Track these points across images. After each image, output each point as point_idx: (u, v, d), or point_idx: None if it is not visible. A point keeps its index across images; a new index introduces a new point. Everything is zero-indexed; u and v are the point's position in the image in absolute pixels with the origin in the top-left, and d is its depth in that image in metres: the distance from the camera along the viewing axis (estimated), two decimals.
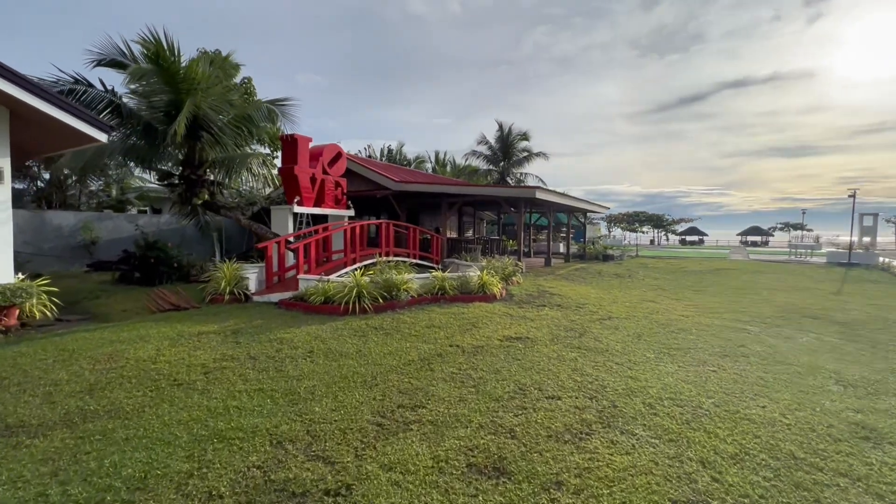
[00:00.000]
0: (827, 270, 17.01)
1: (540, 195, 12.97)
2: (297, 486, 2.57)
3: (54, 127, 6.22)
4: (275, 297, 8.19)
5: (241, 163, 9.26)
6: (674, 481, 2.64)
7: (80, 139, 6.48)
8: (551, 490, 2.55)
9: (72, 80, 8.11)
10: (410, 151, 43.14)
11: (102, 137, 6.39)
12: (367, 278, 7.68)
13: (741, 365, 4.92)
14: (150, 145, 9.00)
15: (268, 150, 18.95)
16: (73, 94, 8.11)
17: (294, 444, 3.05)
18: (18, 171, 16.28)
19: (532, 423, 3.37)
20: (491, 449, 2.99)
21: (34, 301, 6.63)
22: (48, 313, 6.85)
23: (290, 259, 9.52)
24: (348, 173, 14.41)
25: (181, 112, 8.02)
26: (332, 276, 8.42)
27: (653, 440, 3.12)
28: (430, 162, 36.59)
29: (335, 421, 3.41)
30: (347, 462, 2.83)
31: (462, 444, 3.06)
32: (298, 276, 8.28)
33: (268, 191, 19.23)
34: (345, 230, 10.24)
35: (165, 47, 8.06)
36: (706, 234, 59.03)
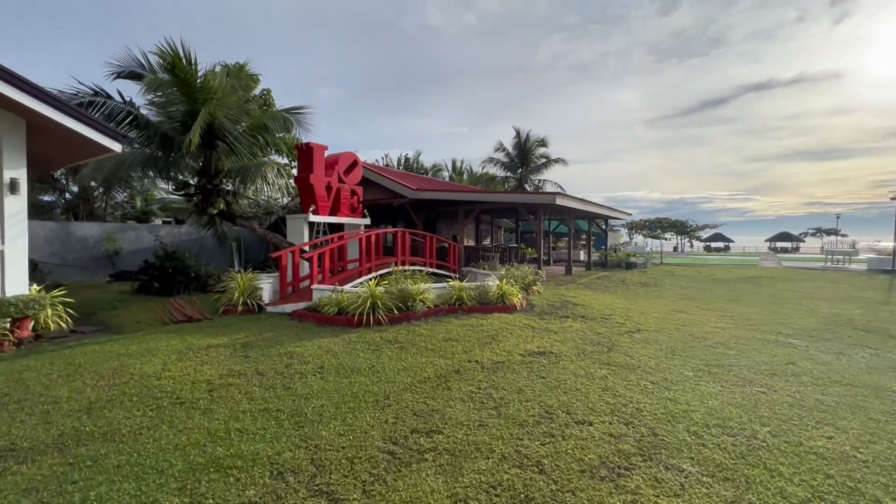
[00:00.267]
0: (868, 278, 15.98)
1: (560, 201, 12.56)
2: None
3: (69, 137, 6.20)
4: (288, 307, 8.00)
5: (256, 172, 9.18)
6: None
7: (94, 150, 6.46)
8: None
9: (91, 91, 8.21)
10: (427, 160, 43.16)
11: (116, 147, 6.35)
12: (381, 288, 7.41)
13: (794, 385, 4.41)
14: (167, 155, 9.03)
15: (286, 160, 19.11)
16: (93, 106, 8.21)
17: (296, 476, 2.75)
18: (45, 183, 16.79)
19: (562, 455, 2.99)
20: (517, 486, 2.63)
21: (49, 312, 6.59)
22: (63, 325, 6.80)
23: (304, 269, 9.35)
24: (364, 182, 14.31)
25: (201, 123, 7.98)
26: (347, 286, 8.19)
27: (704, 479, 2.70)
28: (447, 170, 36.50)
29: (343, 448, 3.10)
30: (354, 499, 2.51)
31: (483, 479, 2.71)
32: (312, 287, 8.08)
33: (285, 200, 19.36)
34: (360, 239, 10.04)
35: (182, 57, 8.08)
36: (732, 241, 57.08)
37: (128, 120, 8.71)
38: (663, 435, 3.27)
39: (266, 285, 8.36)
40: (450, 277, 12.03)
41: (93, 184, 18.77)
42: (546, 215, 14.06)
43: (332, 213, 11.40)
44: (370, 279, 9.10)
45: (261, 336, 6.13)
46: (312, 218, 10.68)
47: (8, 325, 5.77)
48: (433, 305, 7.60)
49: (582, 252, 26.84)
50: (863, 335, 6.83)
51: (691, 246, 53.60)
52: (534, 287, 10.43)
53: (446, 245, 13.96)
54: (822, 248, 49.35)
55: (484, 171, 33.04)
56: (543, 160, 28.93)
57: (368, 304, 6.82)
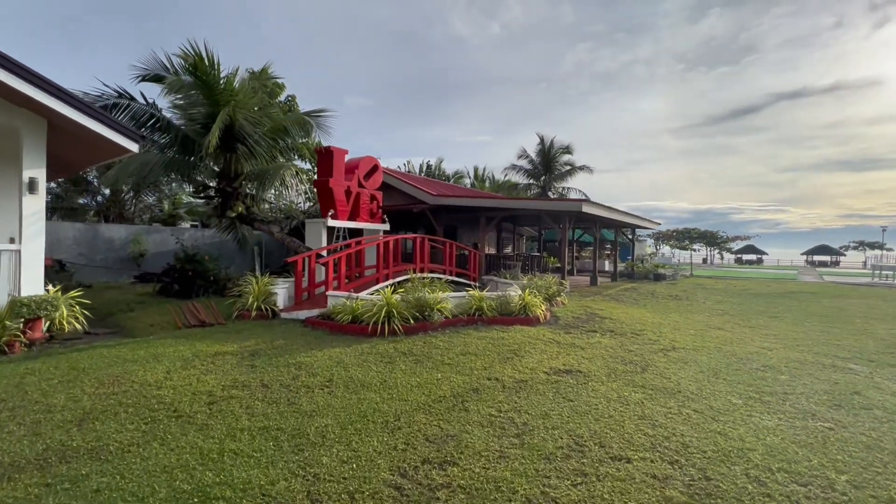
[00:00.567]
0: None
1: (586, 209, 12.03)
2: None
3: (88, 138, 6.15)
4: (303, 314, 7.76)
5: (275, 175, 9.08)
6: None
7: (113, 150, 6.41)
8: None
9: (115, 94, 8.30)
10: (449, 168, 43.01)
11: (134, 147, 6.28)
12: (397, 296, 7.09)
13: (865, 421, 3.82)
14: (188, 158, 9.02)
15: (308, 166, 19.20)
16: (117, 108, 8.28)
17: None
18: (78, 186, 17.31)
19: (597, 501, 2.55)
20: None
21: (64, 313, 6.53)
22: (78, 326, 6.72)
23: (321, 274, 9.14)
24: (385, 187, 14.11)
25: (220, 125, 7.91)
26: (363, 293, 7.90)
27: None
28: (469, 177, 36.24)
29: (344, 479, 2.74)
30: None
31: None
32: (327, 293, 7.83)
33: (307, 206, 19.41)
34: (377, 244, 9.78)
35: (205, 59, 8.06)
36: (765, 253, 54.57)
37: (151, 122, 8.76)
38: (718, 479, 2.78)
39: (281, 291, 8.17)
40: (469, 286, 11.64)
41: (124, 187, 19.33)
42: (571, 223, 13.54)
43: (352, 217, 11.20)
44: (387, 286, 8.80)
45: (271, 344, 5.87)
46: (331, 223, 10.50)
47: (20, 326, 5.70)
48: (451, 315, 7.23)
49: (607, 262, 26.00)
50: None
51: (721, 258, 51.49)
52: (558, 298, 9.94)
53: (466, 253, 13.59)
54: (865, 262, 46.59)
55: (506, 178, 32.61)
56: (568, 167, 28.30)
57: (383, 313, 6.50)
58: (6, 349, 5.31)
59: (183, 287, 11.26)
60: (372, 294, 7.96)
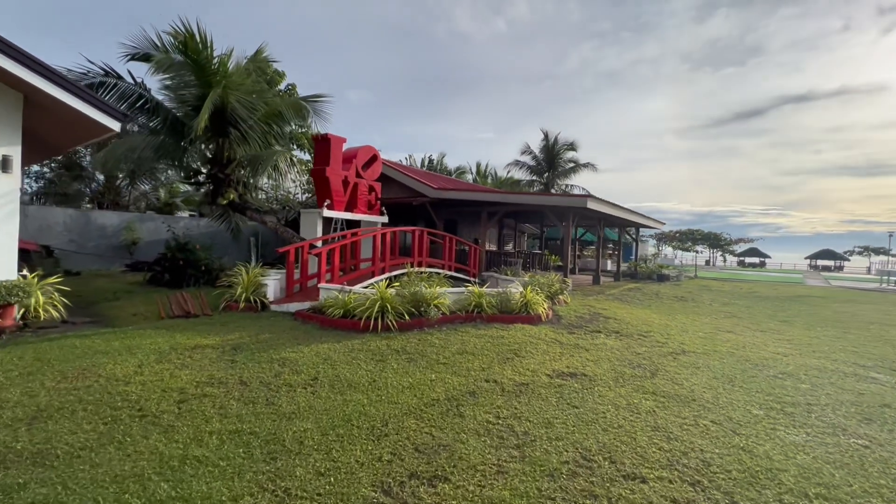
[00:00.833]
0: None
1: (592, 205, 11.64)
2: None
3: (68, 115, 5.78)
4: (293, 306, 7.41)
5: (268, 160, 8.69)
6: None
7: (94, 129, 6.04)
8: None
9: (102, 71, 7.90)
10: (451, 163, 42.58)
11: (115, 126, 5.91)
12: (392, 291, 6.74)
13: None
14: (178, 141, 8.64)
15: (308, 156, 18.80)
16: (103, 87, 7.89)
17: None
18: (70, 171, 16.94)
19: None
20: None
21: (40, 300, 6.19)
22: (55, 314, 6.37)
23: (314, 266, 8.78)
24: (384, 179, 13.74)
25: (210, 106, 7.52)
26: (357, 287, 7.55)
27: None
28: (471, 173, 35.80)
29: (319, 495, 2.39)
30: None
31: None
32: (319, 285, 7.48)
33: (305, 197, 19.02)
34: (374, 236, 9.42)
35: (196, 37, 7.66)
36: (769, 256, 54.13)
37: (140, 103, 8.37)
38: None
39: (272, 282, 7.81)
40: (469, 282, 11.28)
41: (119, 174, 18.95)
42: (574, 221, 13.16)
43: (349, 208, 10.85)
44: (383, 280, 8.44)
45: (256, 337, 5.52)
46: (327, 213, 10.15)
47: None
48: (449, 312, 6.88)
49: (609, 262, 25.61)
50: None
51: (724, 260, 51.06)
52: (560, 296, 9.57)
53: (467, 248, 13.23)
54: (870, 267, 46.16)
55: (509, 174, 32.13)
56: (572, 164, 27.85)
57: (377, 308, 6.14)
58: None
59: (173, 276, 10.92)
60: (366, 288, 7.61)
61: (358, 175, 11.01)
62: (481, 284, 9.46)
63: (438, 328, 6.34)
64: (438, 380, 4.30)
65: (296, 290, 8.15)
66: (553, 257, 19.10)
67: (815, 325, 8.99)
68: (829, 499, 2.51)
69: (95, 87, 7.81)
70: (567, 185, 28.27)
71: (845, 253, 50.23)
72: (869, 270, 43.22)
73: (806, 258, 51.77)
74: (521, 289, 8.00)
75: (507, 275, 11.43)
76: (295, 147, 19.09)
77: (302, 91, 18.13)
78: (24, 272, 6.32)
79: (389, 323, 6.06)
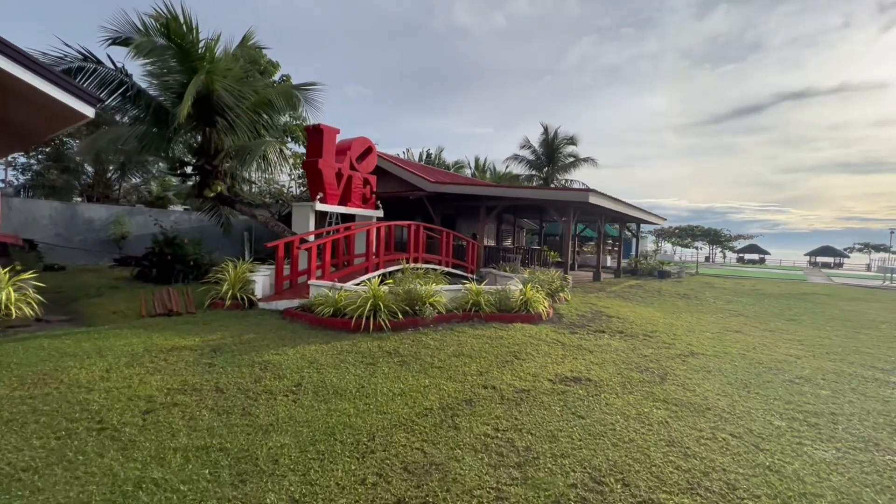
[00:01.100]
0: None
1: (593, 200, 11.30)
2: None
3: (36, 100, 5.40)
4: (282, 304, 7.08)
5: (256, 150, 8.31)
6: None
7: (66, 115, 5.66)
8: None
9: (80, 56, 7.47)
10: (449, 157, 42.11)
11: (89, 112, 5.53)
12: (385, 288, 6.40)
13: None
14: (163, 131, 8.25)
15: (302, 149, 18.39)
16: (82, 73, 7.47)
17: None
18: (57, 162, 16.49)
19: None
20: None
21: (12, 297, 5.83)
22: (29, 312, 6.02)
23: (306, 262, 8.44)
24: (380, 172, 13.35)
25: (193, 92, 7.12)
26: (349, 283, 7.21)
27: None
28: (470, 168, 35.39)
29: None
30: None
31: None
32: (309, 282, 7.14)
33: (300, 191, 18.63)
34: (368, 231, 9.07)
35: (181, 19, 7.25)
36: (768, 253, 53.97)
37: (121, 90, 7.96)
38: None
39: (260, 278, 7.46)
40: (466, 278, 10.96)
41: (110, 167, 18.51)
42: (575, 216, 12.83)
43: (342, 202, 10.47)
44: (378, 276, 8.11)
45: (239, 338, 5.19)
46: (319, 207, 9.77)
47: None
48: (445, 310, 6.55)
49: (609, 258, 25.32)
50: None
51: (724, 257, 50.83)
52: (561, 294, 9.25)
53: (464, 243, 12.89)
54: (870, 264, 46.03)
55: (507, 169, 31.76)
56: (571, 159, 27.49)
57: (369, 306, 5.81)
58: None
59: (161, 272, 10.57)
60: (359, 285, 7.27)
61: (352, 167, 10.63)
62: (479, 281, 9.13)
63: (434, 328, 6.01)
64: (432, 386, 3.97)
65: (285, 286, 7.81)
66: (552, 253, 18.80)
67: (824, 324, 8.70)
68: None
69: (73, 73, 7.40)
70: (566, 181, 27.93)
71: (845, 250, 50.03)
72: (869, 268, 43.08)
73: (805, 255, 51.63)
74: (520, 286, 7.68)
75: (505, 271, 11.11)
76: (289, 139, 18.68)
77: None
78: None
79: (382, 322, 5.73)
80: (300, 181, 18.79)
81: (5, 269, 6.29)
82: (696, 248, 47.90)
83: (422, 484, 2.48)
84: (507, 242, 21.48)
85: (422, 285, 6.67)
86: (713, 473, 2.71)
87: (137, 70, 8.15)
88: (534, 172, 28.01)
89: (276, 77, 17.80)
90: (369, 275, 8.54)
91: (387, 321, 5.76)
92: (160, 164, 17.13)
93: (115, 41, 7.84)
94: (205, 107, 8.08)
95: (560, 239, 26.55)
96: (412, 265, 9.37)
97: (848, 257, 48.51)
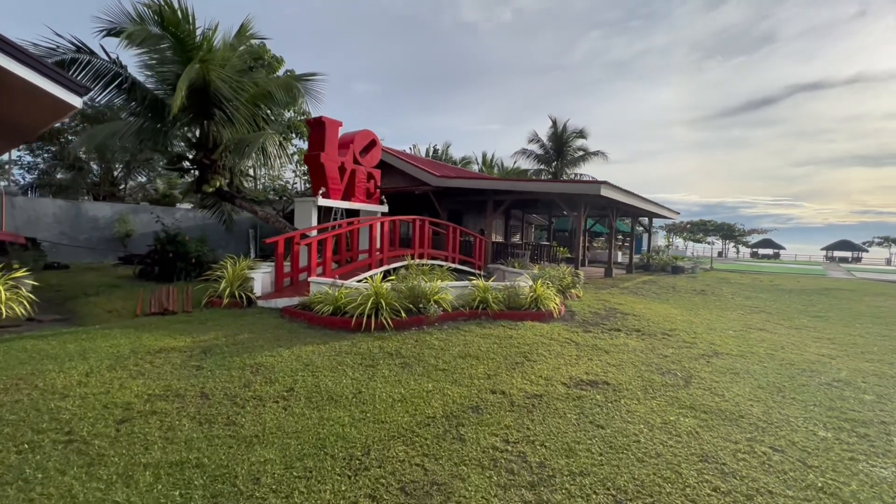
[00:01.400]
0: None
1: (605, 192, 10.87)
2: None
3: (18, 88, 5.15)
4: (282, 302, 6.81)
5: (254, 143, 8.02)
6: None
7: (51, 106, 5.41)
8: None
9: (73, 47, 7.24)
10: (457, 154, 41.69)
11: (75, 101, 5.27)
12: (388, 285, 6.09)
13: None
14: (160, 124, 8.00)
15: (307, 145, 18.15)
16: (75, 65, 7.23)
17: None
18: (63, 161, 16.43)
19: None
20: None
21: (3, 296, 5.64)
22: (21, 311, 5.82)
23: (309, 258, 8.16)
24: (384, 167, 13.05)
25: (186, 82, 6.85)
26: (351, 280, 6.92)
27: None
28: (477, 163, 34.96)
29: None
30: None
31: None
32: (309, 279, 6.86)
33: (306, 187, 18.40)
34: (371, 226, 8.77)
35: (177, 9, 6.98)
36: (783, 248, 52.71)
37: (117, 82, 7.71)
38: None
39: (259, 276, 7.20)
40: (474, 274, 10.62)
41: (117, 165, 18.46)
42: (586, 210, 12.39)
43: (346, 197, 10.18)
44: (382, 272, 7.81)
45: (233, 338, 4.91)
46: (322, 202, 9.49)
47: None
48: (451, 308, 6.22)
49: (619, 253, 24.78)
50: None
51: (737, 252, 49.81)
52: (572, 290, 8.89)
53: (472, 239, 12.54)
54: (890, 259, 44.75)
55: (515, 164, 31.23)
56: (581, 153, 26.89)
57: (370, 304, 5.50)
58: None
59: (163, 270, 10.41)
60: (361, 282, 6.97)
61: (355, 161, 10.33)
62: (487, 277, 8.79)
63: (439, 327, 5.69)
64: (436, 391, 3.65)
65: (286, 284, 7.54)
66: (562, 249, 18.37)
67: (853, 321, 8.21)
68: None
69: (66, 65, 7.17)
70: (576, 175, 27.36)
71: (863, 244, 48.70)
72: (889, 262, 41.88)
73: (822, 249, 50.34)
74: (530, 282, 7.33)
75: (514, 267, 10.74)
76: (294, 135, 18.46)
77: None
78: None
79: (384, 321, 5.42)
80: (305, 177, 18.57)
81: None
82: (709, 243, 47.01)
83: None
84: (516, 238, 21.07)
85: (427, 282, 6.35)
86: (758, 497, 2.35)
87: (133, 62, 7.91)
88: (542, 167, 27.48)
89: (281, 72, 17.56)
90: (372, 271, 8.25)
91: (389, 320, 5.45)
92: (164, 160, 17.02)
93: (111, 32, 7.59)
94: (202, 98, 7.82)
95: (569, 234, 26.03)
96: (417, 261, 9.06)
97: (867, 251, 47.18)
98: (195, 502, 2.15)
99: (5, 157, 16.63)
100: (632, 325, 6.59)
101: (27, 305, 5.91)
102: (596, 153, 26.70)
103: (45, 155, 16.82)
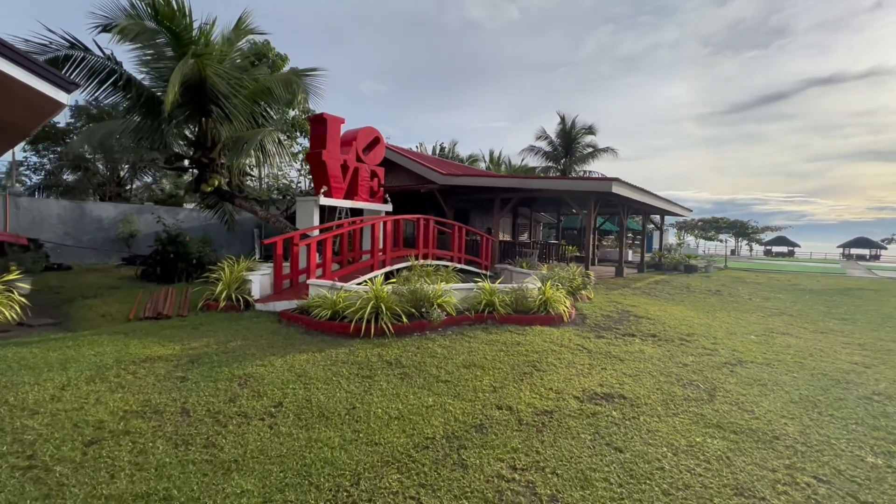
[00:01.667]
0: None
1: (617, 189, 10.48)
2: None
3: (2, 86, 4.92)
4: (280, 305, 6.56)
5: (252, 140, 7.78)
6: None
7: (36, 102, 5.19)
8: None
9: (67, 43, 7.04)
10: (463, 152, 41.33)
11: (62, 97, 5.05)
12: (389, 288, 5.80)
13: None
14: (157, 122, 7.80)
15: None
16: (69, 62, 7.04)
17: None
18: (71, 162, 16.42)
19: None
20: None
21: None
22: (10, 316, 5.63)
23: (310, 259, 7.91)
24: (389, 165, 12.78)
25: (179, 77, 6.61)
26: (352, 283, 6.65)
27: None
28: (484, 161, 34.57)
29: None
30: None
31: None
32: (308, 281, 6.60)
33: (310, 187, 18.20)
34: (373, 225, 8.48)
35: (173, 2, 6.75)
36: (798, 245, 51.51)
37: (112, 79, 7.52)
38: None
39: (258, 278, 6.96)
40: (481, 275, 10.30)
41: (125, 165, 18.44)
42: (596, 208, 11.99)
43: (348, 196, 9.92)
44: (381, 274, 7.53)
45: (224, 346, 4.66)
46: (324, 201, 9.24)
47: None
48: (455, 312, 5.92)
49: (630, 252, 24.27)
50: None
51: (751, 249, 48.76)
52: (583, 292, 8.53)
53: (478, 238, 12.21)
54: None
55: (523, 162, 30.80)
56: (590, 149, 26.40)
57: (370, 309, 5.22)
58: None
59: (165, 271, 10.26)
60: (362, 284, 6.70)
61: (358, 159, 10.06)
62: (494, 278, 8.47)
63: (442, 332, 5.39)
64: (437, 406, 3.35)
65: (285, 286, 7.30)
66: (570, 248, 17.97)
67: (882, 324, 7.75)
68: None
69: (60, 62, 6.99)
70: (585, 172, 26.89)
71: (882, 241, 47.35)
72: None
73: (839, 247, 49.10)
74: (538, 284, 7.00)
75: (522, 267, 10.41)
76: (299, 134, 18.28)
77: (323, 91, 17.24)
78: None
79: (384, 326, 5.13)
80: (310, 177, 18.38)
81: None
82: (722, 241, 46.09)
83: None
84: (524, 237, 20.70)
85: (430, 283, 6.05)
86: None
87: (129, 59, 7.70)
88: (550, 164, 27.04)
89: (285, 70, 17.37)
90: (375, 272, 7.97)
91: (389, 325, 5.16)
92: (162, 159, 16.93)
93: (106, 28, 7.40)
94: (198, 95, 7.60)
95: (578, 233, 25.59)
96: (421, 262, 8.77)
97: (885, 248, 45.85)
98: None
99: (8, 157, 16.62)
100: (647, 330, 6.23)
101: (18, 310, 5.72)
102: (605, 150, 26.20)
103: (52, 156, 16.81)
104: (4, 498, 2.15)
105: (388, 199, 11.11)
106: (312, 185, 16.94)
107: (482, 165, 33.72)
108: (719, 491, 2.40)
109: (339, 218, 10.46)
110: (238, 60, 8.06)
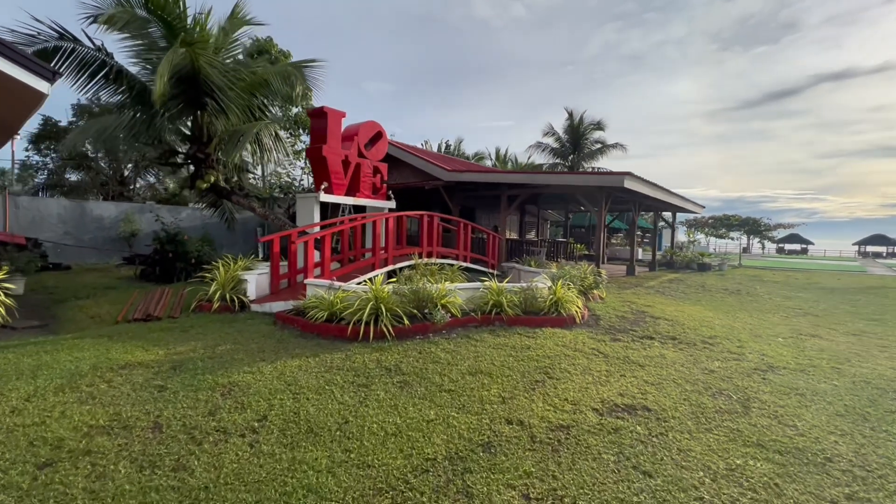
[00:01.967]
0: None
1: (629, 184, 10.04)
2: None
3: None
4: (277, 306, 6.25)
5: (248, 134, 7.47)
6: None
7: (16, 92, 4.91)
8: None
9: (55, 34, 6.77)
10: (469, 149, 40.90)
11: (42, 87, 4.76)
12: (389, 287, 5.46)
13: None
14: (150, 116, 7.52)
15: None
16: (58, 53, 6.79)
17: None
18: (74, 161, 16.27)
19: None
20: None
21: None
22: None
23: (310, 258, 7.59)
24: (392, 161, 12.43)
25: (168, 66, 6.31)
26: (351, 283, 6.31)
27: None
28: (490, 159, 34.15)
29: None
30: None
31: None
32: (306, 281, 6.27)
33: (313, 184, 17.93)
34: (374, 222, 8.15)
35: None
36: (811, 243, 50.43)
37: (103, 72, 7.24)
38: None
39: (253, 277, 6.65)
40: (487, 274, 9.93)
41: (130, 165, 18.29)
42: (607, 204, 11.55)
43: (350, 192, 9.58)
44: (382, 273, 7.19)
45: (212, 350, 4.34)
46: (324, 197, 8.91)
47: None
48: (460, 313, 5.56)
49: (640, 250, 23.74)
50: None
51: (763, 247, 47.83)
52: (595, 291, 8.13)
53: (484, 236, 11.83)
54: None
55: (530, 159, 30.35)
56: (598, 145, 25.87)
57: (369, 310, 4.87)
58: None
59: (163, 270, 10.02)
60: (362, 283, 6.36)
61: (360, 155, 9.72)
62: (501, 277, 8.09)
63: (446, 335, 5.03)
64: (439, 420, 3.00)
65: (283, 286, 6.99)
66: (579, 246, 17.50)
67: None
68: None
69: (49, 53, 6.73)
70: (593, 168, 26.37)
71: None
72: None
73: (854, 244, 48.02)
74: (548, 283, 6.62)
75: (530, 266, 10.02)
76: (302, 132, 18.01)
77: (328, 90, 16.96)
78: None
79: (384, 329, 4.79)
80: (312, 173, 18.11)
81: None
82: (733, 239, 45.16)
83: None
84: (531, 235, 20.27)
85: (433, 283, 5.70)
86: None
87: (120, 50, 7.42)
88: (558, 160, 26.56)
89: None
90: (376, 271, 7.63)
91: (390, 327, 4.81)
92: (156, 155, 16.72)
93: (97, 19, 7.12)
94: (192, 87, 7.30)
95: (587, 231, 25.10)
96: (425, 260, 8.41)
97: None
98: None
99: (9, 155, 16.53)
100: (665, 332, 5.82)
101: (2, 311, 5.46)
102: (614, 146, 25.67)
103: (54, 155, 16.70)
104: None
105: (392, 196, 10.77)
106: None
107: (488, 163, 33.30)
108: None
109: (341, 215, 10.15)
110: (240, 56, 7.74)
